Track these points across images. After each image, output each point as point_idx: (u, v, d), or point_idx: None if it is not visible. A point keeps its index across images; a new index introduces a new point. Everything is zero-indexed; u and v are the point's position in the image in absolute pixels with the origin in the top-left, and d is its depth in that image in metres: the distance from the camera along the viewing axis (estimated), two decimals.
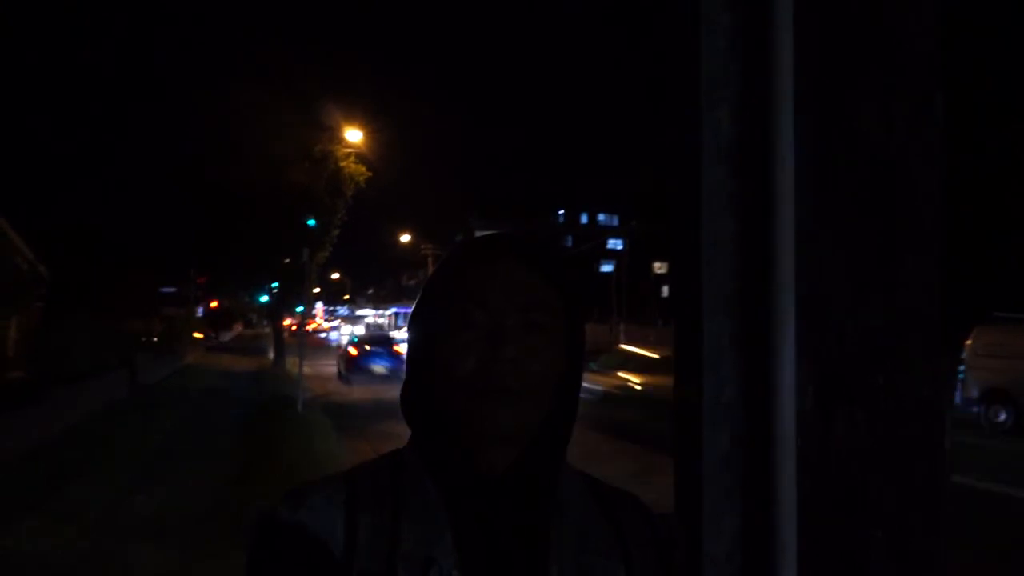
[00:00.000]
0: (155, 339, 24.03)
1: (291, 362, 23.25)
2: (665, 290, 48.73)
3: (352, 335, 28.96)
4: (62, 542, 6.11)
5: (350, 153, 23.86)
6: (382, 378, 20.33)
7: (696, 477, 1.51)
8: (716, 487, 1.49)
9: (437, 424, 0.86)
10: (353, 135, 23.00)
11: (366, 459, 0.93)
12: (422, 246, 57.73)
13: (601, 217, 66.74)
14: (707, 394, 1.51)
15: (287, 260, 24.05)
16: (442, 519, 0.82)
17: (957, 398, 12.96)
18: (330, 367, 25.23)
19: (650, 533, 0.91)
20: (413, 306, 0.93)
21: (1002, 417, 12.76)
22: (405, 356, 0.94)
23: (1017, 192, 2.30)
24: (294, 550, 0.80)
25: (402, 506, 0.83)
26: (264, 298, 31.28)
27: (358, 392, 18.83)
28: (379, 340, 24.04)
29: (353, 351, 19.87)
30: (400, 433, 0.93)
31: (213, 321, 45.45)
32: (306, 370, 16.90)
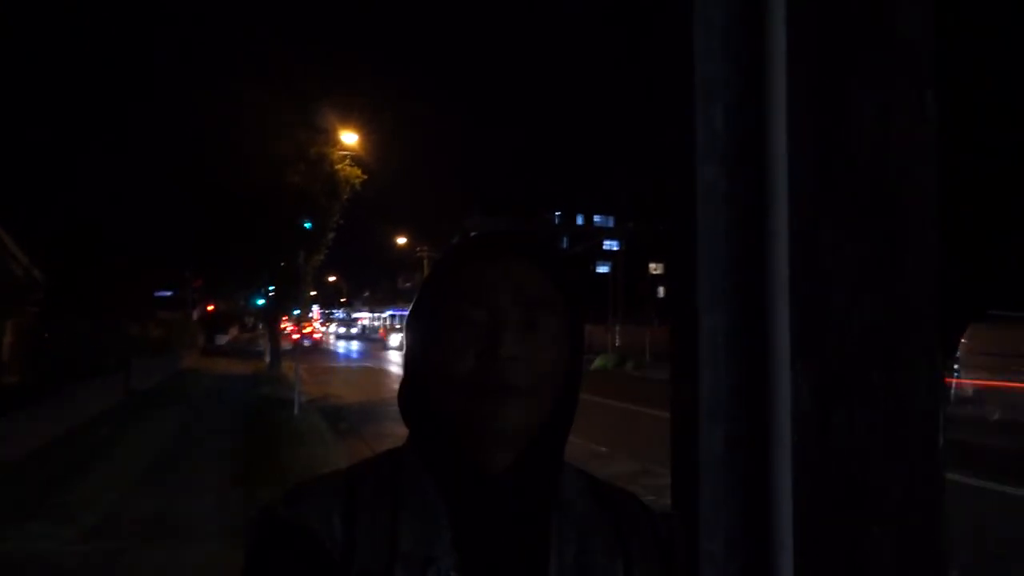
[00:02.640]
0: (146, 332, 24.12)
1: (287, 365, 24.80)
2: (661, 291, 48.79)
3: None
4: (61, 544, 6.09)
5: (346, 156, 23.81)
6: (309, 349, 43.05)
7: (693, 475, 1.50)
8: (713, 486, 1.49)
9: (436, 423, 0.85)
10: (349, 138, 22.95)
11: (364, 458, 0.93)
12: (418, 249, 57.65)
13: (597, 218, 66.79)
14: (703, 393, 1.50)
15: (283, 263, 24.03)
16: (441, 518, 0.81)
17: (951, 396, 13.01)
18: (326, 374, 27.89)
19: (650, 533, 0.91)
20: (411, 305, 0.92)
21: (996, 416, 12.79)
22: (404, 357, 0.94)
23: (1017, 192, 2.30)
24: (293, 549, 0.79)
25: (401, 505, 0.82)
26: (260, 301, 31.22)
27: (351, 394, 19.97)
28: (308, 332, 47.61)
29: (296, 336, 29.76)
30: (396, 434, 0.93)
31: (208, 324, 45.35)
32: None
